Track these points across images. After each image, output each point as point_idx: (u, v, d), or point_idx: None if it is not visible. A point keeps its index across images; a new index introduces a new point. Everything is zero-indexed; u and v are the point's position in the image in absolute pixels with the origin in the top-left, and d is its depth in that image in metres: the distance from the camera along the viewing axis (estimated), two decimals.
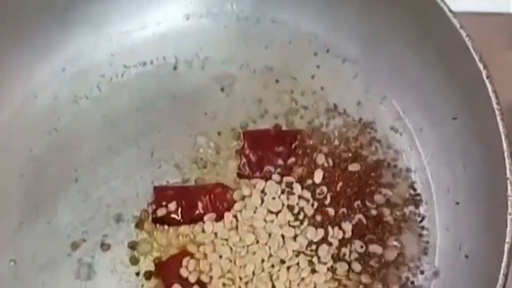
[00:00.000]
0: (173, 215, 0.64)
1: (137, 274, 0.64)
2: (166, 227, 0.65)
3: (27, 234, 0.65)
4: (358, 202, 0.64)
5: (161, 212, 0.64)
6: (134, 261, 0.64)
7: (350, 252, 0.63)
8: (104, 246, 0.65)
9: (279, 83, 0.69)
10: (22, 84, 0.69)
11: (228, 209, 0.64)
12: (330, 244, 0.63)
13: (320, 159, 0.65)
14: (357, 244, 0.63)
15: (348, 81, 0.69)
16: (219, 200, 0.64)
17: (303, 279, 0.62)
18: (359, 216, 0.64)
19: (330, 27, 0.69)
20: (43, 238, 0.65)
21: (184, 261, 0.63)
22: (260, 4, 0.71)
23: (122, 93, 0.70)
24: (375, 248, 0.63)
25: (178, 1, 0.72)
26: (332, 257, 0.63)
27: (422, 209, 0.65)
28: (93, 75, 0.70)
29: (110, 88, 0.70)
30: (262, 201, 0.64)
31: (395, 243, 0.64)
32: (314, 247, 0.63)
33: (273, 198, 0.64)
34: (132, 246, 0.64)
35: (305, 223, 0.63)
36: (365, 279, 0.62)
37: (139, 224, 0.65)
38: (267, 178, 0.65)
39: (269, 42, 0.71)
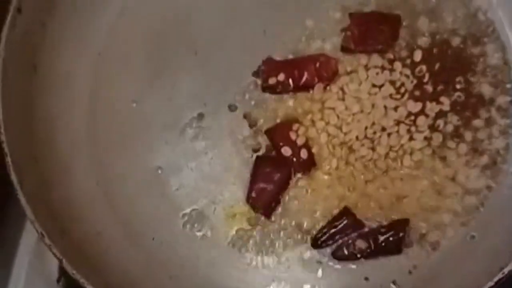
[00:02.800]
0: (282, 83, 0.71)
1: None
2: (276, 96, 0.72)
3: (150, 98, 0.73)
4: (460, 78, 0.71)
5: (272, 80, 0.71)
6: (253, 122, 0.72)
7: (446, 123, 0.70)
8: (232, 107, 0.72)
9: None
10: None
11: (333, 76, 0.71)
12: (427, 116, 0.70)
13: (421, 40, 0.72)
14: (454, 118, 0.70)
15: None
16: (324, 68, 0.70)
17: (402, 145, 0.69)
18: (458, 93, 0.70)
19: None
20: (167, 101, 0.72)
21: (294, 126, 0.70)
22: None
23: None
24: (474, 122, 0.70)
25: None
26: (429, 127, 0.70)
27: None
28: None
29: None
30: (367, 76, 0.71)
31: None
32: (412, 117, 0.70)
33: (377, 73, 0.71)
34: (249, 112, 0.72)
35: (406, 96, 0.70)
36: (461, 150, 0.69)
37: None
38: (369, 53, 0.71)
39: None
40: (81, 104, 0.72)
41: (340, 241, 0.68)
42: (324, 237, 0.69)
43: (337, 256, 0.68)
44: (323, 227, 0.69)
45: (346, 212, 0.69)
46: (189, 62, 0.73)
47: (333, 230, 0.68)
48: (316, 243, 0.69)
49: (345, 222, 0.69)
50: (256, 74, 0.72)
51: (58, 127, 0.70)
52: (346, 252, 0.68)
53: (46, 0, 0.68)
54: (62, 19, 0.70)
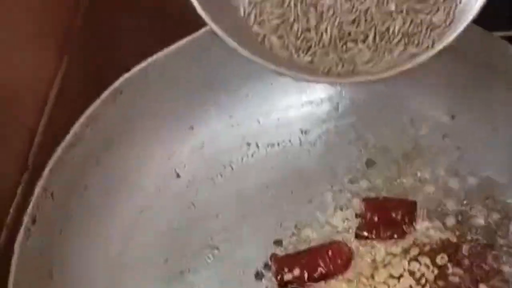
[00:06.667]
0: (298, 278, 0.68)
1: None
2: None
3: None
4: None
5: (287, 277, 0.69)
6: None
7: None
8: None
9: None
10: (165, 163, 0.77)
11: (348, 263, 0.68)
12: None
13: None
14: None
15: None
16: (337, 256, 0.68)
17: None
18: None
19: None
20: None
21: None
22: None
23: (252, 171, 0.77)
24: None
25: (300, 90, 0.79)
26: None
27: None
28: (226, 155, 0.78)
29: (242, 167, 0.77)
30: (384, 265, 0.68)
31: None
32: None
33: (394, 263, 0.68)
34: None
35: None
36: None
37: None
38: (384, 240, 0.69)
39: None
40: None
41: None
42: None
43: None
44: None
45: None
46: (207, 260, 0.72)
47: None
48: None
49: None
50: (267, 267, 0.70)
51: None
52: None
53: (62, 207, 0.70)
54: (79, 223, 0.72)
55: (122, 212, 0.75)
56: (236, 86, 0.78)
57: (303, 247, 0.71)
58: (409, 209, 0.70)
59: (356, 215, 0.71)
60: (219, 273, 0.71)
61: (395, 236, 0.69)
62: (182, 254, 0.73)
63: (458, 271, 0.66)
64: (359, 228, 0.70)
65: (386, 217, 0.70)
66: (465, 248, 0.67)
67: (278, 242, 0.72)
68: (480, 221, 0.68)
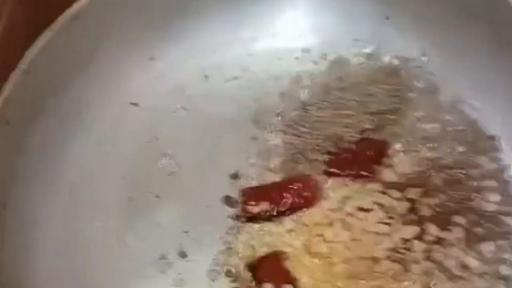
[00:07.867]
0: (265, 211, 0.67)
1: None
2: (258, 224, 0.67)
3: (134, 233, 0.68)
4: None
5: (254, 209, 0.67)
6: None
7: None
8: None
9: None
10: (124, 94, 0.74)
11: (318, 196, 0.67)
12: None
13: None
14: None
15: None
16: (307, 188, 0.67)
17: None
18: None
19: None
20: (150, 236, 0.68)
21: (280, 259, 0.65)
22: None
23: (212, 104, 0.74)
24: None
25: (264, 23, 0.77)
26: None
27: None
28: (186, 88, 0.75)
29: (202, 99, 0.74)
30: (353, 198, 0.67)
31: None
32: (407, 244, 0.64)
33: (364, 196, 0.66)
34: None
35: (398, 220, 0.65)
36: None
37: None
38: (354, 177, 0.68)
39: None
40: (55, 239, 0.67)
41: None
42: None
43: None
44: None
45: None
46: (171, 193, 0.70)
47: None
48: None
49: None
50: (230, 203, 0.69)
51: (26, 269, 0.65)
52: None
53: (17, 136, 0.65)
54: (34, 154, 0.67)
55: (79, 144, 0.71)
56: (200, 16, 0.75)
57: (267, 180, 0.69)
58: (380, 147, 0.69)
59: (325, 152, 0.69)
60: (184, 208, 0.69)
61: (366, 173, 0.68)
62: (144, 190, 0.70)
63: (431, 202, 0.65)
64: (329, 164, 0.68)
65: (357, 155, 0.68)
66: (438, 180, 0.66)
67: (234, 176, 0.70)
68: (452, 154, 0.68)
